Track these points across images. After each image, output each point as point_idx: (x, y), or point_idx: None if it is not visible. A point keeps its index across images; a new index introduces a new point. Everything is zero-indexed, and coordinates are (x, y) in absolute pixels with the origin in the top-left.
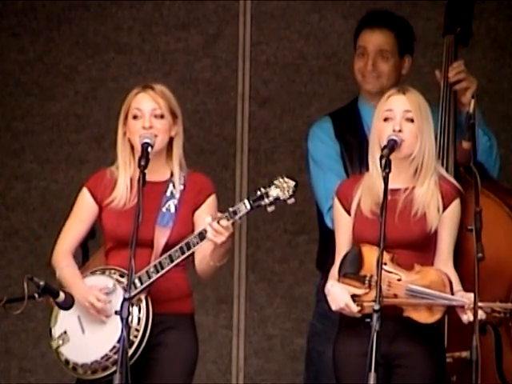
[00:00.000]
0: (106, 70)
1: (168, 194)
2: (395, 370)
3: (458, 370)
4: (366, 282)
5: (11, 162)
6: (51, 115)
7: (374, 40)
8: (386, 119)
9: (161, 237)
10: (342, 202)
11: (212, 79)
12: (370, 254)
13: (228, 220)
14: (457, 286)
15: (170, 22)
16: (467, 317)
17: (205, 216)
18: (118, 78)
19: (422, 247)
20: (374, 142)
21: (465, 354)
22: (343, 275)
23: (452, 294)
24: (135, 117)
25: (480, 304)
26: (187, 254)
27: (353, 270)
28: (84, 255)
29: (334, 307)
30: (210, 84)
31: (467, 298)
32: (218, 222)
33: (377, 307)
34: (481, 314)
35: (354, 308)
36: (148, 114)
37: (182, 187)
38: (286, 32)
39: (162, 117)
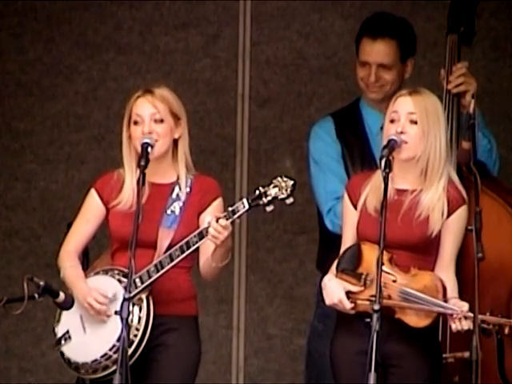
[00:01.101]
0: (105, 70)
1: (174, 196)
2: (390, 369)
3: (460, 370)
4: (362, 279)
5: (11, 162)
6: (51, 115)
7: (376, 52)
8: (391, 121)
9: (164, 238)
10: (350, 196)
11: (212, 79)
12: (370, 252)
13: (227, 219)
14: (452, 293)
15: (169, 22)
16: (455, 326)
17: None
18: (118, 78)
19: (421, 250)
20: (383, 143)
21: (467, 354)
22: (340, 271)
23: (445, 300)
24: (136, 122)
25: (470, 314)
26: (186, 253)
27: (350, 266)
28: (84, 256)
29: (327, 302)
30: (210, 84)
31: (459, 306)
32: (217, 222)
33: (377, 307)
34: (469, 325)
35: (348, 304)
36: (148, 119)
37: (188, 190)
38: (285, 32)
39: (161, 121)
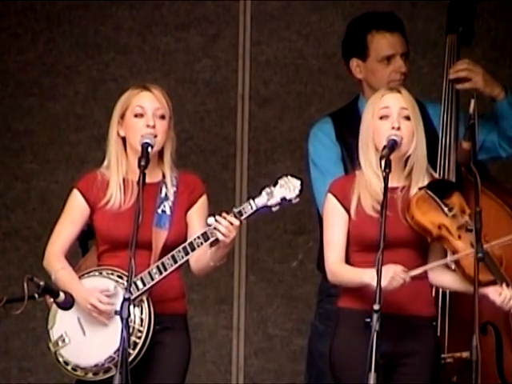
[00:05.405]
0: (105, 70)
1: (162, 195)
2: (399, 369)
3: (459, 370)
4: (447, 208)
5: (11, 162)
6: (51, 115)
7: (399, 43)
8: (382, 117)
9: (159, 238)
10: (339, 200)
11: (212, 79)
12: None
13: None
14: None
15: (169, 22)
16: (500, 299)
17: (196, 216)
18: (118, 78)
19: (422, 246)
20: (367, 141)
21: (465, 354)
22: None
23: None
24: (136, 115)
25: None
26: (191, 254)
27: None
28: (84, 255)
29: (384, 283)
30: (210, 84)
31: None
32: (226, 220)
33: (377, 307)
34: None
35: (403, 273)
36: (150, 112)
37: (174, 188)
38: (286, 32)
39: (162, 117)
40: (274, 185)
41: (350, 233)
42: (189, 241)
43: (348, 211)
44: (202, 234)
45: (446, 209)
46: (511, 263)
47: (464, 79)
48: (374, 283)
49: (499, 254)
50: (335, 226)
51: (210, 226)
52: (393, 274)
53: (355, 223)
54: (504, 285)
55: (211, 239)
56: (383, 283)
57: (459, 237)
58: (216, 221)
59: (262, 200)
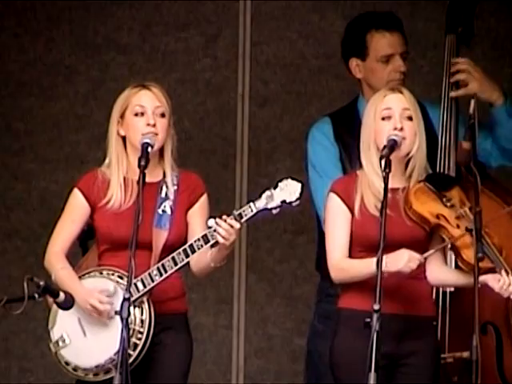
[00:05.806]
0: (105, 70)
1: (162, 195)
2: (400, 369)
3: (459, 370)
4: (444, 200)
5: (11, 162)
6: (51, 115)
7: (398, 43)
8: (384, 118)
9: (159, 239)
10: (342, 199)
11: (212, 79)
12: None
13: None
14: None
15: (170, 22)
16: (499, 285)
17: (197, 215)
18: (118, 78)
19: (424, 246)
20: (369, 141)
21: (466, 354)
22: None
23: None
24: (136, 114)
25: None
26: (191, 256)
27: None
28: (84, 255)
29: (396, 267)
30: (210, 84)
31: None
32: (226, 223)
33: (377, 307)
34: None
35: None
36: (151, 111)
37: (175, 188)
38: (286, 32)
39: (163, 115)
40: (275, 188)
41: (354, 232)
42: (189, 243)
43: (351, 210)
44: (203, 237)
45: (444, 199)
46: (511, 254)
47: (460, 84)
48: (389, 269)
49: (499, 243)
50: (338, 224)
51: (210, 227)
52: (408, 257)
53: (359, 222)
54: (503, 272)
55: (211, 242)
56: (400, 265)
57: (457, 226)
58: (216, 223)
59: (262, 203)
